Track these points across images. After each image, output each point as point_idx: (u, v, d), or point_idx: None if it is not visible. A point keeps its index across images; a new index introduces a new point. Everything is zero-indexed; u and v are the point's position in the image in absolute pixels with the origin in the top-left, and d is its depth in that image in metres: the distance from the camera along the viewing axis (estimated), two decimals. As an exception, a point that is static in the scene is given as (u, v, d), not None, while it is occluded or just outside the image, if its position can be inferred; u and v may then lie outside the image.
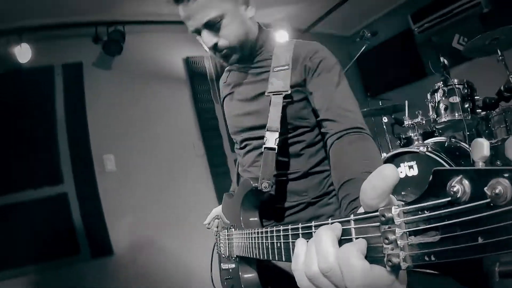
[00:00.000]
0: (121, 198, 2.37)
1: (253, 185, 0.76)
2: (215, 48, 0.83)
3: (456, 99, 1.92)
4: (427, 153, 1.77)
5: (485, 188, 0.23)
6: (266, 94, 0.82)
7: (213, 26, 0.81)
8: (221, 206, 1.03)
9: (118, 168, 2.42)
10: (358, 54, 2.46)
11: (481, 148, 0.28)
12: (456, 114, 1.93)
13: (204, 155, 2.79)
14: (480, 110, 1.98)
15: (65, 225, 2.21)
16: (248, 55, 0.88)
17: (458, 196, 0.25)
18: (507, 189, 0.22)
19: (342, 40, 3.75)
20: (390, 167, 0.31)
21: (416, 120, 2.10)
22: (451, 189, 0.25)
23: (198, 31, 0.83)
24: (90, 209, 2.28)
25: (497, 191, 0.22)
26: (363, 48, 2.42)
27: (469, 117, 1.92)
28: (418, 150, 1.81)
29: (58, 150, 2.28)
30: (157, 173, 2.53)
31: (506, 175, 0.22)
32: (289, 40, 0.91)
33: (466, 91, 1.95)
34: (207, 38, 0.82)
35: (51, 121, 2.30)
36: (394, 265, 0.30)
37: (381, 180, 0.31)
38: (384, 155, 1.99)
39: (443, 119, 1.97)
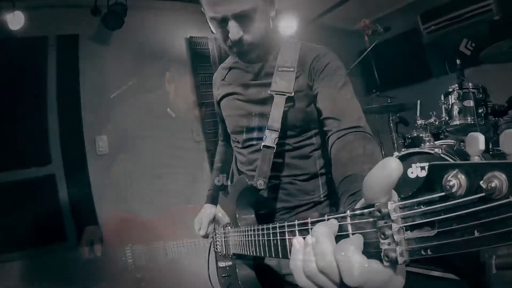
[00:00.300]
0: (112, 182, 2.34)
1: (248, 182, 0.80)
2: (238, 42, 0.82)
3: (470, 103, 2.00)
4: (442, 155, 1.80)
5: (481, 182, 0.24)
6: (269, 92, 0.85)
7: (243, 18, 0.80)
8: (209, 208, 1.07)
9: (111, 150, 2.41)
10: (369, 49, 2.47)
11: (476, 142, 0.29)
12: (469, 118, 2.00)
13: (203, 140, 2.79)
14: (491, 116, 2.03)
15: (51, 209, 2.15)
16: (262, 55, 0.90)
17: (454, 190, 0.26)
18: (503, 183, 0.23)
19: (347, 34, 3.73)
20: (394, 160, 0.32)
21: (429, 121, 2.15)
22: (447, 184, 0.26)
23: (224, 20, 0.80)
24: (79, 193, 2.23)
25: (493, 184, 0.23)
26: (374, 43, 2.43)
27: (482, 122, 1.98)
28: (433, 152, 1.84)
29: (47, 127, 2.22)
30: (152, 157, 2.50)
31: (501, 168, 0.23)
32: (295, 40, 0.93)
33: (480, 96, 2.02)
34: (234, 30, 0.80)
35: (41, 96, 2.24)
36: (391, 260, 0.31)
37: (386, 173, 0.32)
38: (396, 153, 2.02)
39: (456, 122, 2.04)
